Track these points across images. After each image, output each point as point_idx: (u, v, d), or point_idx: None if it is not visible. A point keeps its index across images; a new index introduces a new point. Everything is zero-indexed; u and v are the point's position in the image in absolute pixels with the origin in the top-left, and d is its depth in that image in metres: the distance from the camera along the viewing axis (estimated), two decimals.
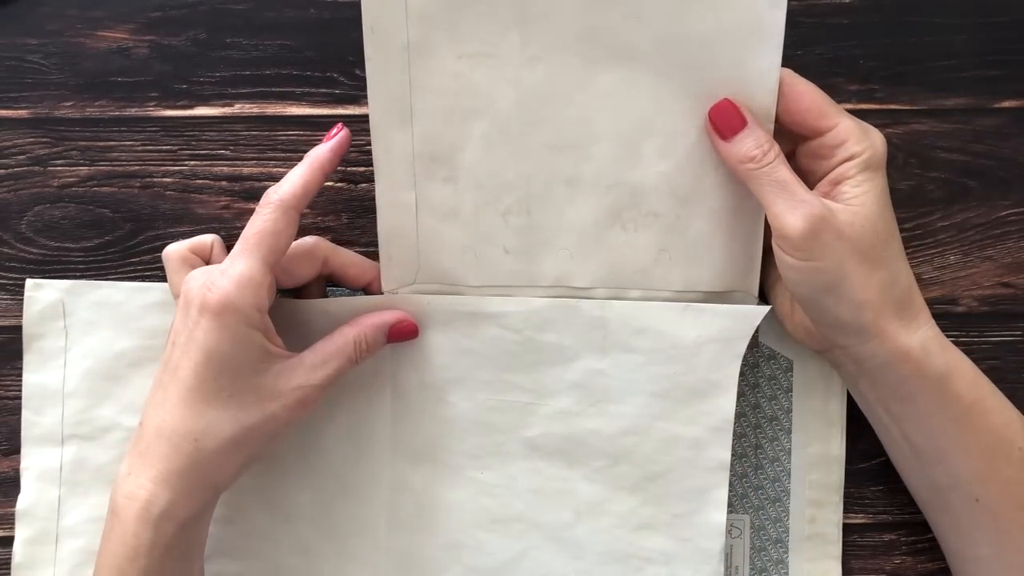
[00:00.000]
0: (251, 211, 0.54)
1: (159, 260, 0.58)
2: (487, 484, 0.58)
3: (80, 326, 0.60)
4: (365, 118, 0.55)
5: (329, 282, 0.60)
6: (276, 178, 0.58)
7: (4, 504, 0.61)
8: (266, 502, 0.59)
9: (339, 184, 0.60)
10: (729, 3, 0.51)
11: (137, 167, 0.61)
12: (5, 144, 0.61)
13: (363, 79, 0.54)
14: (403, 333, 0.56)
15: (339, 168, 0.58)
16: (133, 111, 0.61)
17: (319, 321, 0.57)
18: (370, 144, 0.55)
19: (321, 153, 0.55)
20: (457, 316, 0.57)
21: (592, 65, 0.53)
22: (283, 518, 0.59)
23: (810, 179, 0.53)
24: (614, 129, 0.54)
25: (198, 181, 0.61)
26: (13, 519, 0.60)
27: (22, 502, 0.60)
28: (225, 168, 0.61)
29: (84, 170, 0.61)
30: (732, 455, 0.57)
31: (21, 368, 0.60)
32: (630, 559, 0.58)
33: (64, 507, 0.60)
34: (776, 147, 0.51)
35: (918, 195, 0.60)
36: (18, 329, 0.60)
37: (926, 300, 0.53)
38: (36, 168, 0.61)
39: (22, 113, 0.61)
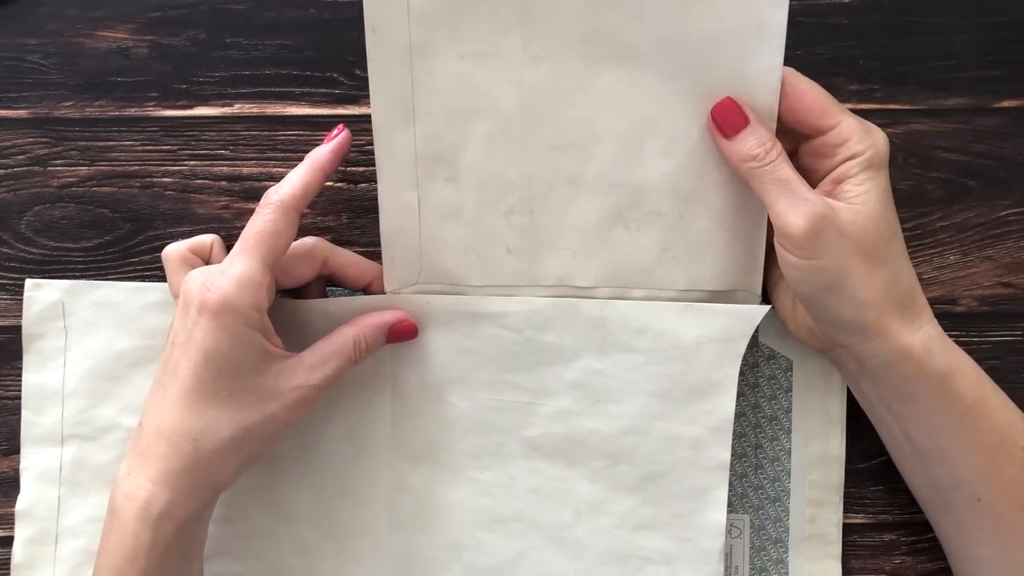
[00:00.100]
0: (251, 211, 0.54)
1: (159, 260, 0.58)
2: (487, 484, 0.58)
3: (80, 326, 0.60)
4: (365, 118, 0.56)
5: (329, 282, 0.60)
6: (276, 178, 0.58)
7: (4, 504, 0.61)
8: (266, 502, 0.59)
9: (339, 184, 0.60)
10: (730, 3, 0.51)
11: (137, 167, 0.61)
12: (5, 144, 0.61)
13: (363, 79, 0.54)
14: (403, 333, 0.56)
15: (339, 168, 0.58)
16: (133, 111, 0.61)
17: (319, 321, 0.57)
18: (370, 144, 0.55)
19: (322, 154, 0.55)
20: (457, 316, 0.57)
21: (594, 65, 0.53)
22: (283, 518, 0.59)
23: (812, 178, 0.53)
24: (616, 129, 0.54)
25: (198, 181, 0.61)
26: (13, 519, 0.60)
27: (22, 502, 0.60)
28: (225, 168, 0.61)
29: (84, 170, 0.61)
30: (732, 455, 0.57)
31: (21, 368, 0.60)
32: (630, 559, 0.58)
33: (64, 507, 0.60)
34: (778, 146, 0.51)
35: (918, 195, 0.60)
36: (18, 329, 0.60)
37: (926, 299, 0.53)
38: (36, 168, 0.61)
39: (22, 113, 0.61)
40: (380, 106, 0.54)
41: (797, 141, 0.54)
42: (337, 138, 0.55)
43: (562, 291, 0.57)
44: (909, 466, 0.56)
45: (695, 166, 0.54)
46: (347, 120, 0.59)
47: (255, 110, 0.60)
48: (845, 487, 0.60)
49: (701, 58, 0.53)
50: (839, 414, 0.59)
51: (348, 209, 0.61)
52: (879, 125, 0.53)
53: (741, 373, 0.57)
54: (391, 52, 0.53)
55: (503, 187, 0.55)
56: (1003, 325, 0.60)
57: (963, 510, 0.54)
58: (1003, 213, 0.60)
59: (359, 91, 0.60)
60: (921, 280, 0.54)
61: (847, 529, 0.60)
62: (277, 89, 0.60)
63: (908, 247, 0.54)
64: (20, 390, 0.60)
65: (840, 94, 0.57)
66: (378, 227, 0.56)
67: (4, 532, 0.61)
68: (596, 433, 0.57)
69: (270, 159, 0.61)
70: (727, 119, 0.52)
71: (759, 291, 0.56)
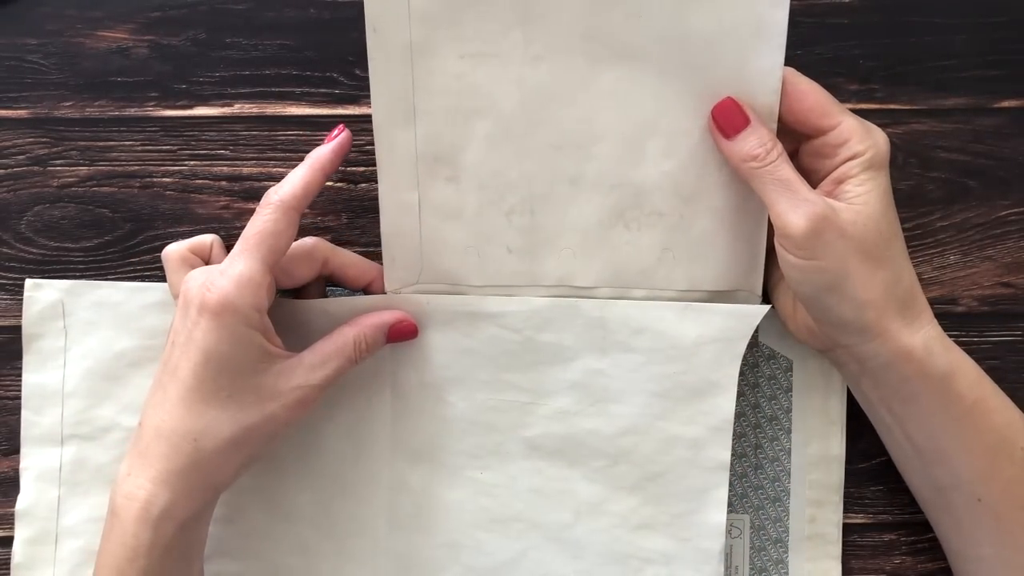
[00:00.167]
0: (251, 211, 0.54)
1: (159, 260, 0.58)
2: (486, 484, 0.58)
3: (80, 326, 0.60)
4: (365, 118, 0.56)
5: (329, 282, 0.60)
6: (276, 178, 0.58)
7: (4, 504, 0.61)
8: (266, 502, 0.59)
9: (339, 184, 0.60)
10: (731, 3, 0.51)
11: (137, 167, 0.61)
12: (5, 144, 0.60)
13: (363, 79, 0.54)
14: (403, 333, 0.56)
15: (339, 168, 0.58)
16: (133, 111, 0.60)
17: (319, 321, 0.57)
18: (370, 144, 0.55)
19: (322, 154, 0.55)
20: (457, 316, 0.57)
21: (595, 64, 0.53)
22: (282, 518, 0.59)
23: (813, 178, 0.53)
24: (617, 128, 0.54)
25: (198, 181, 0.61)
26: (13, 519, 0.60)
27: (22, 502, 0.60)
28: (225, 168, 0.61)
29: (84, 170, 0.61)
30: (732, 455, 0.57)
31: (21, 368, 0.60)
32: (630, 559, 0.58)
33: (64, 507, 0.60)
34: (779, 146, 0.51)
35: (918, 195, 0.60)
36: (18, 329, 0.60)
37: (927, 299, 0.53)
38: (36, 168, 0.61)
39: (22, 113, 0.61)
40: (381, 106, 0.54)
41: (798, 141, 0.54)
42: (338, 138, 0.55)
43: (563, 291, 0.57)
44: (909, 466, 0.56)
45: (696, 166, 0.54)
46: (347, 120, 0.59)
47: (255, 110, 0.60)
48: (845, 487, 0.60)
49: (702, 58, 0.53)
50: (839, 414, 0.59)
51: (348, 209, 0.61)
52: (879, 125, 0.53)
53: (741, 373, 0.57)
54: (392, 52, 0.53)
55: (504, 187, 0.55)
56: (1003, 325, 0.60)
57: (963, 510, 0.54)
58: (1003, 213, 0.60)
59: (359, 91, 0.60)
60: (921, 280, 0.54)
61: (847, 529, 0.60)
62: (277, 89, 0.60)
63: (908, 247, 0.54)
64: (20, 390, 0.60)
65: (840, 94, 0.57)
66: (378, 227, 0.56)
67: (4, 532, 0.61)
68: (596, 433, 0.57)
69: (270, 159, 0.61)
70: (728, 119, 0.52)
71: (759, 291, 0.56)
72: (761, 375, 0.60)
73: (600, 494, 0.58)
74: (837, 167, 0.52)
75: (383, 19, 0.53)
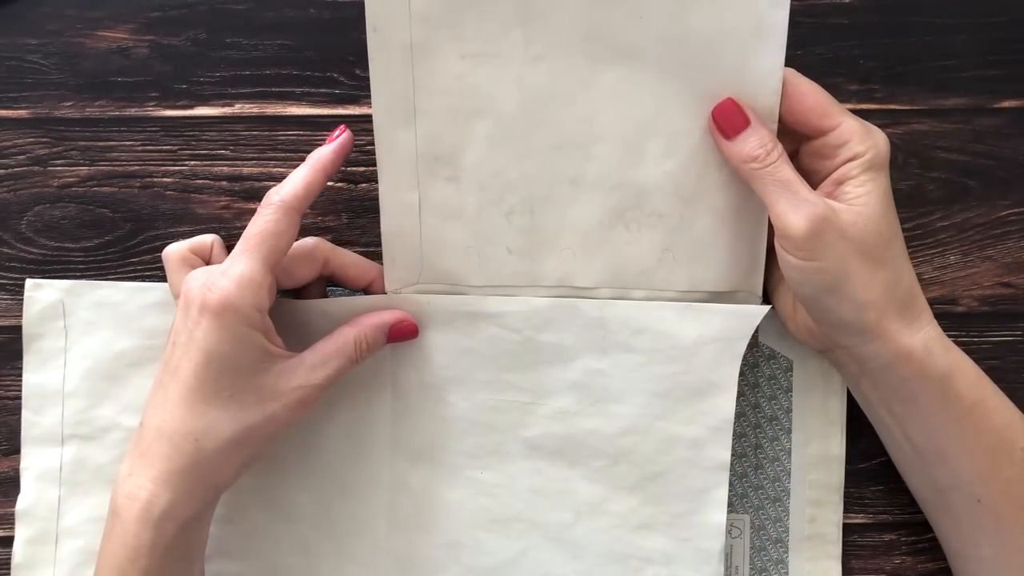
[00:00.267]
0: (251, 211, 0.54)
1: (159, 260, 0.58)
2: (486, 484, 0.58)
3: (80, 326, 0.60)
4: (365, 118, 0.56)
5: (329, 283, 0.60)
6: (276, 178, 0.58)
7: (4, 504, 0.61)
8: (266, 502, 0.59)
9: (339, 184, 0.60)
10: (731, 3, 0.51)
11: (137, 167, 0.61)
12: (5, 144, 0.60)
13: (364, 79, 0.54)
14: (403, 333, 0.56)
15: (340, 168, 0.58)
16: (133, 111, 0.60)
17: (319, 321, 0.57)
18: (371, 144, 0.55)
19: (323, 154, 0.55)
20: (457, 316, 0.57)
21: (595, 64, 0.53)
22: (283, 518, 0.59)
23: (813, 179, 0.53)
24: (617, 129, 0.54)
25: (198, 181, 0.61)
26: (13, 519, 0.60)
27: (22, 502, 0.60)
28: (225, 168, 0.61)
29: (84, 170, 0.61)
30: (732, 455, 0.57)
31: (21, 368, 0.60)
32: (630, 559, 0.58)
33: (64, 507, 0.60)
34: (779, 147, 0.51)
35: (918, 195, 0.60)
36: (18, 329, 0.60)
37: (926, 300, 0.53)
38: (36, 168, 0.61)
39: (22, 113, 0.61)
40: (381, 106, 0.54)
41: (798, 142, 0.54)
42: (339, 139, 0.55)
43: (563, 291, 0.57)
44: (909, 467, 0.56)
45: (696, 166, 0.54)
46: (347, 120, 0.59)
47: (255, 110, 0.60)
48: (845, 487, 0.60)
49: (702, 58, 0.53)
50: (839, 414, 0.59)
51: (348, 209, 0.61)
52: (879, 125, 0.53)
53: (741, 373, 0.57)
54: (392, 52, 0.53)
55: (504, 187, 0.55)
56: (1003, 325, 0.60)
57: (963, 511, 0.54)
58: (1003, 213, 0.60)
59: (359, 91, 0.60)
60: (921, 280, 0.54)
61: (847, 529, 0.60)
62: (277, 89, 0.60)
63: (908, 247, 0.54)
64: (20, 390, 0.60)
65: (840, 94, 0.58)
66: (378, 227, 0.56)
67: (4, 532, 0.61)
68: (596, 433, 0.57)
69: (270, 159, 0.61)
70: (728, 120, 0.52)
71: (760, 292, 0.56)
72: (761, 375, 0.60)
73: (600, 494, 0.58)
74: (837, 168, 0.52)
75: (383, 19, 0.53)
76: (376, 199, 0.56)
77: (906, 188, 0.60)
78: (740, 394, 0.59)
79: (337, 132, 0.56)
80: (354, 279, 0.58)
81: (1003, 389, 0.54)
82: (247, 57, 0.60)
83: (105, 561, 0.51)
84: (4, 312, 0.61)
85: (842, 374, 0.57)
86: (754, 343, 0.59)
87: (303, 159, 0.55)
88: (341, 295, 0.60)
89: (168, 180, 0.61)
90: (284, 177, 0.54)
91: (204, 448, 0.51)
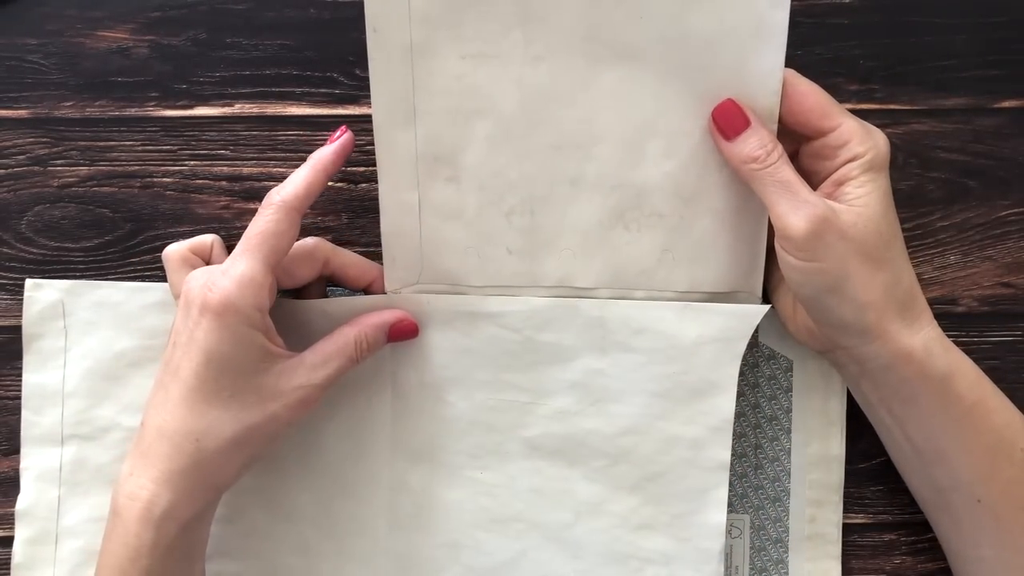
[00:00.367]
0: (251, 211, 0.54)
1: (159, 260, 0.58)
2: (486, 484, 0.58)
3: (80, 326, 0.60)
4: (365, 118, 0.56)
5: (329, 283, 0.60)
6: (276, 178, 0.58)
7: (4, 504, 0.61)
8: (266, 502, 0.59)
9: (339, 184, 0.60)
10: (731, 3, 0.51)
11: (137, 167, 0.61)
12: (5, 144, 0.60)
13: (363, 79, 0.54)
14: (403, 332, 0.56)
15: (340, 168, 0.58)
16: (133, 111, 0.60)
17: (319, 321, 0.57)
18: (371, 144, 0.55)
19: (324, 155, 0.55)
20: (457, 315, 0.57)
21: (595, 65, 0.53)
22: (283, 518, 0.59)
23: (813, 180, 0.53)
24: (617, 129, 0.54)
25: (198, 181, 0.61)
26: (13, 519, 0.60)
27: (22, 502, 0.60)
28: (225, 168, 0.61)
29: (84, 170, 0.61)
30: (732, 455, 0.57)
31: (21, 368, 0.60)
32: (630, 559, 0.58)
33: (64, 507, 0.60)
34: (779, 147, 0.51)
35: (918, 195, 0.60)
36: (18, 329, 0.60)
37: (926, 300, 0.53)
38: (36, 168, 0.61)
39: (22, 113, 0.61)
40: (381, 106, 0.54)
41: (798, 143, 0.54)
42: (340, 139, 0.55)
43: (563, 292, 0.57)
44: (909, 467, 0.56)
45: (696, 167, 0.54)
46: (347, 120, 0.59)
47: (255, 110, 0.60)
48: (845, 487, 0.60)
49: (702, 59, 0.53)
50: (839, 414, 0.59)
51: (348, 209, 0.61)
52: (879, 125, 0.53)
53: (741, 373, 0.57)
54: (392, 52, 0.53)
55: (504, 187, 0.55)
56: (1003, 325, 0.60)
57: (963, 511, 0.54)
58: (1003, 213, 0.60)
59: (359, 91, 0.60)
60: (921, 280, 0.54)
61: (847, 529, 0.60)
62: (277, 89, 0.60)
63: (908, 247, 0.54)
64: (20, 390, 0.60)
65: (840, 94, 0.58)
66: (378, 227, 0.56)
67: (4, 532, 0.61)
68: (596, 433, 0.57)
69: (270, 159, 0.60)
70: (728, 121, 0.52)
71: (760, 293, 0.56)
72: (761, 375, 0.60)
73: (600, 494, 0.58)
74: (837, 169, 0.52)
75: (383, 19, 0.53)
76: (376, 199, 0.56)
77: (906, 188, 0.60)
78: (740, 394, 0.59)
79: (338, 132, 0.56)
80: (354, 279, 0.58)
81: (1003, 389, 0.54)
82: (247, 57, 0.60)
83: (106, 561, 0.51)
84: (4, 312, 0.61)
85: (842, 375, 0.57)
86: (754, 343, 0.60)
87: (303, 159, 0.55)
88: (341, 295, 0.60)
89: (168, 180, 0.61)
90: (284, 177, 0.54)
91: (205, 448, 0.51)
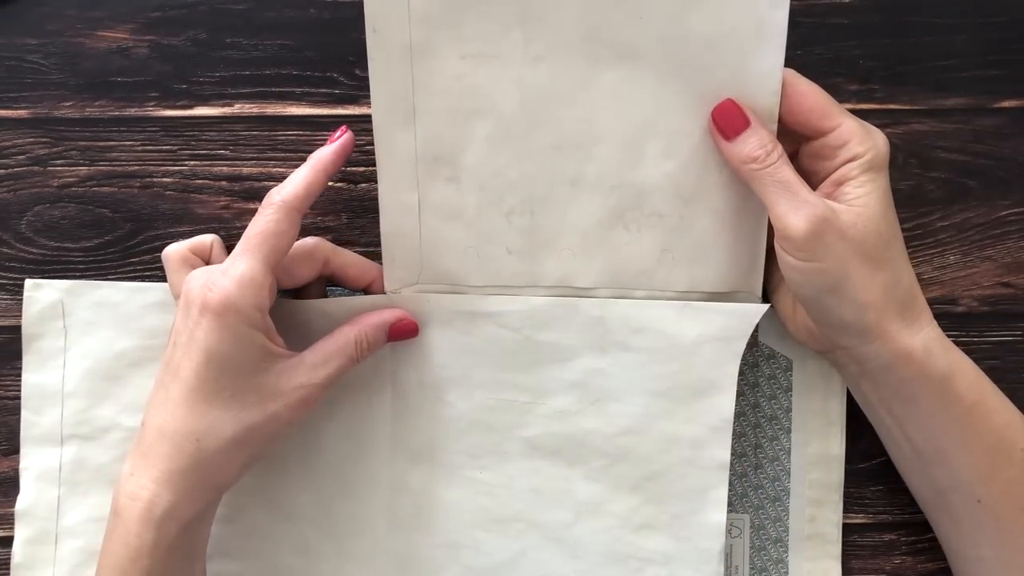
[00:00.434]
0: (251, 211, 0.54)
1: (159, 260, 0.58)
2: (486, 484, 0.58)
3: (80, 326, 0.60)
4: (365, 118, 0.56)
5: (329, 283, 0.60)
6: (276, 178, 0.58)
7: (4, 504, 0.61)
8: (266, 502, 0.59)
9: (339, 184, 0.60)
10: (731, 3, 0.51)
11: (137, 167, 0.61)
12: (5, 144, 0.60)
13: (363, 79, 0.54)
14: (403, 332, 0.56)
15: (340, 168, 0.58)
16: (133, 111, 0.60)
17: (319, 321, 0.57)
18: (370, 144, 0.55)
19: (325, 155, 0.55)
20: (456, 315, 0.57)
21: (595, 65, 0.53)
22: (283, 518, 0.59)
23: (813, 180, 0.53)
24: (617, 129, 0.54)
25: (198, 181, 0.61)
26: (13, 519, 0.60)
27: (22, 502, 0.60)
28: (225, 168, 0.61)
29: (84, 170, 0.61)
30: (732, 454, 0.57)
31: (21, 368, 0.60)
32: (629, 559, 0.58)
33: (64, 507, 0.60)
34: (779, 147, 0.51)
35: (918, 195, 0.60)
36: (18, 329, 0.60)
37: (926, 300, 0.53)
38: (36, 168, 0.61)
39: (22, 113, 0.61)
40: (381, 106, 0.54)
41: (797, 143, 0.54)
42: (340, 139, 0.55)
43: (562, 292, 0.57)
44: (909, 467, 0.56)
45: (696, 167, 0.54)
46: (347, 120, 0.59)
47: (255, 110, 0.60)
48: (845, 487, 0.60)
49: (702, 59, 0.53)
50: (839, 414, 0.59)
51: (348, 209, 0.61)
52: (879, 125, 0.53)
53: (741, 373, 0.57)
54: (392, 52, 0.53)
55: (504, 187, 0.55)
56: (1003, 325, 0.60)
57: (963, 511, 0.54)
58: (1003, 213, 0.60)
59: (359, 91, 0.60)
60: (921, 280, 0.54)
61: (847, 529, 0.60)
62: (277, 89, 0.60)
63: (908, 247, 0.54)
64: (20, 390, 0.60)
65: (840, 94, 0.58)
66: (378, 227, 0.56)
67: (4, 532, 0.61)
68: (595, 432, 0.57)
69: (270, 159, 0.60)
70: (728, 121, 0.52)
71: (759, 293, 0.56)
72: (761, 375, 0.60)
73: (600, 494, 0.58)
74: (837, 169, 0.52)
75: (383, 19, 0.53)
76: (376, 199, 0.56)
77: (906, 188, 0.60)
78: (740, 394, 0.59)
79: (338, 133, 0.56)
80: (354, 279, 0.58)
81: (1003, 389, 0.54)
82: (247, 57, 0.60)
83: (107, 561, 0.51)
84: (4, 312, 0.61)
85: (842, 375, 0.57)
86: (754, 343, 0.60)
87: (303, 159, 0.55)
88: (341, 295, 0.60)
89: (168, 180, 0.61)
90: (284, 177, 0.54)
91: (206, 448, 0.51)
